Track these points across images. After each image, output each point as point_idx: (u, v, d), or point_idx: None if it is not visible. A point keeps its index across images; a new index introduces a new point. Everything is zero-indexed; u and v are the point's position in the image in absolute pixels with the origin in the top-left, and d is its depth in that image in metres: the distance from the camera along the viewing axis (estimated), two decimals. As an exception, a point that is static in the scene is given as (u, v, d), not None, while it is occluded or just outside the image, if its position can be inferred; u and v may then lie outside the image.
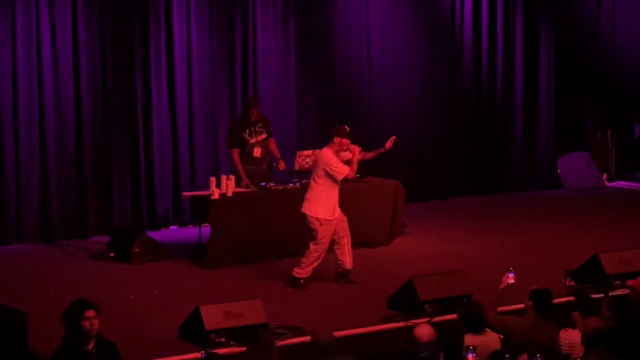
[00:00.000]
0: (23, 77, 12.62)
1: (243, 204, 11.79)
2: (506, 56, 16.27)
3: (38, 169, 12.80)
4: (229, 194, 11.71)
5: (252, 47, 14.12)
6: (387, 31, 15.23)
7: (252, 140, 12.30)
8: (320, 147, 11.90)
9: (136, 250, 11.66)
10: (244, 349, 7.54)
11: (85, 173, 13.08)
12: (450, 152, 15.84)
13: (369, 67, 15.16)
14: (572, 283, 10.20)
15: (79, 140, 13.03)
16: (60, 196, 12.93)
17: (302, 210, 10.63)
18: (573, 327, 7.66)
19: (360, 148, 10.68)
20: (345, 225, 10.74)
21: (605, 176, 17.12)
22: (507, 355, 7.14)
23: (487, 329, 7.76)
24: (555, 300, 8.12)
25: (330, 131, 10.66)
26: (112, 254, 11.92)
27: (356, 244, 11.19)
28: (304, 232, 11.66)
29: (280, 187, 12.06)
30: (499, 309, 8.53)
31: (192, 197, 12.30)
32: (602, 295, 9.45)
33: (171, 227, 13.67)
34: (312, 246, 10.61)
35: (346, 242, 10.74)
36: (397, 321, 9.33)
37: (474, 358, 7.04)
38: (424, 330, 7.50)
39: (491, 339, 7.70)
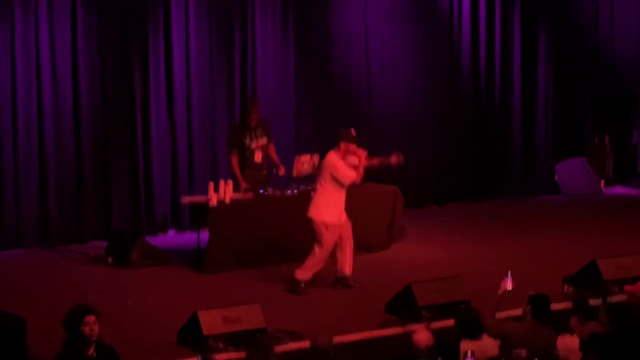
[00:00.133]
0: (22, 83, 12.64)
1: (241, 209, 11.80)
2: (504, 61, 16.29)
3: (37, 173, 12.81)
4: (227, 199, 11.72)
5: (251, 53, 14.14)
6: (385, 37, 15.25)
7: (253, 145, 12.31)
8: (319, 153, 11.93)
9: (135, 255, 11.67)
10: (243, 354, 7.55)
11: (84, 178, 13.09)
12: (448, 158, 15.85)
13: (368, 73, 15.18)
14: (570, 289, 10.21)
15: (77, 145, 13.05)
16: (58, 201, 12.94)
17: (309, 214, 10.62)
18: (571, 332, 7.67)
19: (366, 152, 10.67)
20: (350, 230, 10.74)
21: (603, 182, 17.14)
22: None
23: (484, 335, 7.76)
24: (553, 306, 8.12)
25: (337, 135, 10.64)
26: (110, 259, 11.93)
27: (354, 248, 11.19)
28: (302, 237, 11.68)
29: (279, 193, 12.07)
30: (497, 314, 8.53)
31: (190, 202, 12.31)
32: (600, 300, 9.45)
33: (169, 232, 13.68)
34: (316, 249, 10.59)
35: (348, 247, 10.75)
36: (395, 326, 9.34)
37: (472, 363, 7.04)
38: (422, 336, 7.50)
39: (488, 345, 7.69)
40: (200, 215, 11.87)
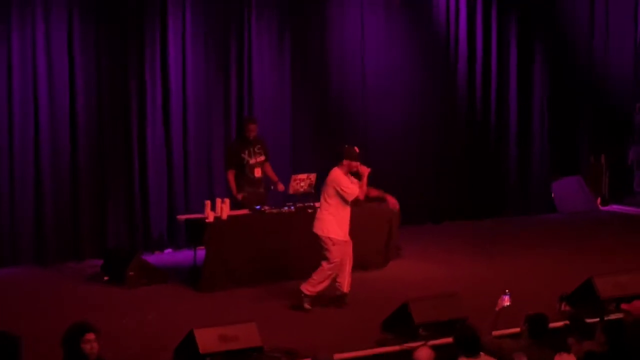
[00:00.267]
0: (18, 97, 12.64)
1: (238, 227, 11.79)
2: (500, 79, 16.33)
3: (32, 191, 12.79)
4: (224, 217, 11.71)
5: (247, 69, 14.17)
6: (382, 52, 15.28)
7: (252, 161, 12.35)
8: (315, 171, 11.95)
9: (131, 273, 11.65)
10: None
11: (80, 196, 13.08)
12: (444, 176, 15.86)
13: (364, 89, 15.21)
14: (567, 307, 10.18)
15: (73, 162, 13.04)
16: (54, 219, 12.92)
17: (314, 230, 10.62)
18: (568, 351, 7.66)
19: (370, 170, 10.67)
20: (350, 249, 10.75)
21: (599, 200, 17.16)
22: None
23: (481, 353, 7.74)
24: (550, 325, 8.11)
25: (340, 152, 10.66)
26: (106, 277, 11.91)
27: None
28: (300, 254, 11.69)
29: (275, 211, 12.07)
30: (495, 332, 8.52)
31: (187, 220, 12.31)
32: (597, 319, 9.44)
33: (166, 250, 13.66)
34: (324, 264, 10.58)
35: (348, 265, 10.75)
36: (392, 344, 9.32)
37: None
38: (423, 353, 7.49)
39: (486, 363, 7.69)
40: (196, 233, 11.85)
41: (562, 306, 10.18)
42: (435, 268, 12.64)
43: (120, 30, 13.24)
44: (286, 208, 12.11)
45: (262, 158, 12.48)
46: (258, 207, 12.08)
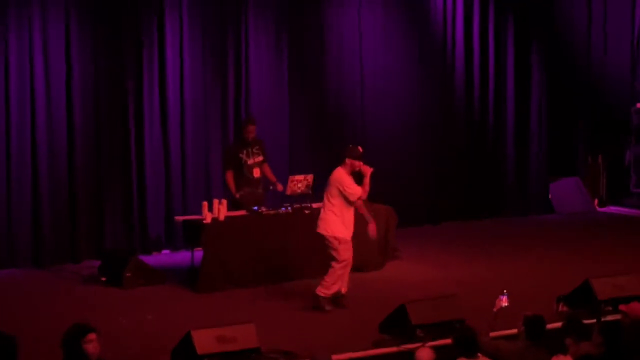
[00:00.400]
0: (15, 98, 12.65)
1: (235, 228, 11.79)
2: (498, 80, 16.34)
3: (30, 192, 12.79)
4: (221, 218, 11.71)
5: (245, 71, 14.17)
6: (379, 53, 15.29)
7: (250, 162, 12.36)
8: (313, 172, 11.95)
9: (128, 274, 11.64)
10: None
11: (78, 197, 13.07)
12: (442, 177, 15.86)
13: (362, 91, 15.21)
14: (565, 308, 10.20)
15: (70, 164, 13.04)
16: (52, 220, 12.92)
17: (318, 230, 10.61)
18: (564, 352, 7.66)
19: (372, 169, 10.67)
20: (351, 249, 10.74)
21: (596, 201, 17.17)
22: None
23: (479, 354, 7.74)
24: (548, 326, 8.11)
25: (343, 152, 10.65)
26: (103, 278, 11.90)
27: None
28: (297, 255, 11.69)
29: (272, 212, 12.07)
30: (492, 334, 8.53)
31: (184, 221, 12.31)
32: (594, 320, 9.44)
33: (163, 251, 13.66)
34: (334, 265, 10.56)
35: (348, 267, 10.73)
36: (390, 346, 9.32)
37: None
38: (424, 354, 7.49)
39: (484, 364, 7.69)
40: (194, 234, 11.86)
41: (560, 307, 10.21)
42: (432, 269, 12.63)
43: (117, 31, 13.24)
44: (283, 209, 12.12)
45: (261, 158, 12.49)
46: (255, 208, 12.08)
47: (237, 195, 12.30)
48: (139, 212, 13.46)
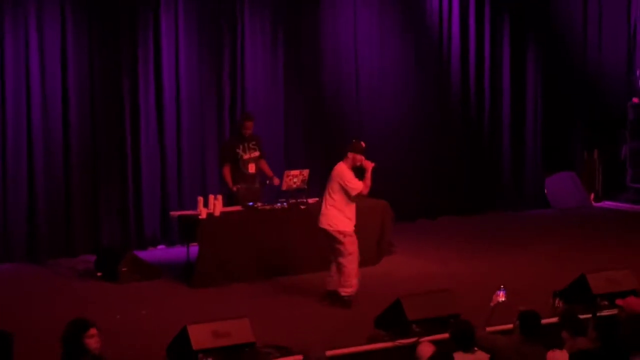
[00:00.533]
0: (11, 96, 12.64)
1: (231, 223, 11.79)
2: (493, 76, 16.35)
3: (25, 187, 12.78)
4: (217, 213, 11.71)
5: (240, 68, 14.16)
6: (375, 51, 15.28)
7: (246, 157, 12.37)
8: (309, 168, 11.94)
9: (124, 269, 11.64)
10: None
11: (73, 192, 13.07)
12: (438, 172, 15.87)
13: (357, 87, 15.21)
14: (561, 303, 10.20)
15: (66, 159, 13.03)
16: (47, 215, 12.91)
17: (320, 225, 10.58)
18: (561, 347, 7.66)
19: (374, 164, 10.65)
20: None
21: (592, 196, 17.18)
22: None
23: (476, 348, 7.75)
24: (543, 321, 8.11)
25: (346, 146, 10.64)
26: (99, 273, 11.90)
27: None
28: (292, 250, 11.70)
29: (268, 207, 12.06)
30: (489, 328, 8.53)
31: (180, 216, 12.31)
32: (590, 315, 9.44)
33: (159, 247, 13.66)
34: (343, 261, 10.52)
35: (356, 259, 10.71)
36: (385, 341, 9.32)
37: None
38: (426, 349, 7.50)
39: (481, 359, 7.69)
40: (189, 229, 11.85)
41: (556, 302, 10.21)
42: (428, 264, 12.64)
43: (113, 29, 13.23)
44: (279, 204, 12.11)
45: (257, 154, 12.49)
46: (251, 203, 12.07)
47: (235, 189, 12.29)
48: (134, 208, 13.45)
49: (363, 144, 10.62)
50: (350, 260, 10.53)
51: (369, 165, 10.56)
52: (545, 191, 16.81)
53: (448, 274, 12.01)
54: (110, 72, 13.24)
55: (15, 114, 12.68)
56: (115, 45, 13.24)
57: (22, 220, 12.78)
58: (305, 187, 12.13)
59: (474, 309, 9.20)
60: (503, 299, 8.51)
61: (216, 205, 11.71)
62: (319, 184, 12.76)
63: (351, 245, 10.53)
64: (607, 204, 17.12)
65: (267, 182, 12.56)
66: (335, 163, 10.70)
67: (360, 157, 10.54)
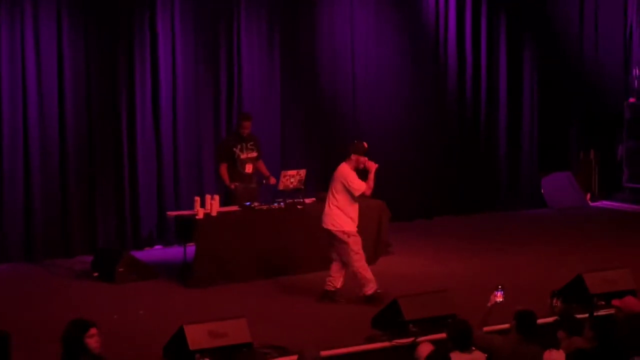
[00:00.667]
0: (7, 95, 12.62)
1: (228, 223, 11.78)
2: (490, 76, 16.35)
3: (22, 188, 12.77)
4: (214, 213, 11.70)
5: (237, 68, 14.15)
6: (372, 50, 15.28)
7: (243, 157, 12.36)
8: (306, 168, 11.93)
9: (120, 269, 11.63)
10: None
11: (70, 192, 13.05)
12: (434, 172, 15.87)
13: (354, 87, 15.21)
14: (559, 303, 10.19)
15: (63, 159, 13.01)
16: (44, 215, 12.89)
17: (324, 226, 10.58)
18: (557, 347, 7.66)
19: (377, 165, 10.65)
20: None
21: (588, 196, 17.19)
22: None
23: (473, 348, 7.75)
24: (540, 321, 8.11)
25: (348, 147, 10.64)
26: (96, 274, 11.88)
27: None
28: (289, 250, 11.69)
29: (265, 207, 12.05)
30: (486, 328, 8.53)
31: (176, 216, 12.29)
32: (587, 315, 9.44)
33: (156, 247, 13.65)
34: (351, 262, 10.52)
35: (363, 257, 10.71)
36: (382, 341, 9.32)
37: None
38: (424, 348, 7.50)
39: (478, 359, 7.69)
40: (186, 230, 11.84)
41: (554, 302, 10.20)
42: (425, 264, 12.64)
43: (109, 29, 13.21)
44: (276, 204, 12.10)
45: (255, 154, 12.49)
46: (248, 203, 12.06)
47: (232, 186, 12.29)
48: (131, 208, 13.44)
49: (365, 145, 10.62)
50: (357, 259, 10.55)
51: (373, 167, 10.57)
52: (542, 191, 16.81)
53: (445, 273, 12.02)
54: (107, 72, 13.23)
55: (12, 114, 12.66)
56: (111, 45, 13.22)
57: (18, 220, 12.76)
58: (302, 187, 12.12)
59: (471, 308, 9.20)
60: (500, 300, 8.51)
61: (213, 205, 11.70)
62: (316, 184, 12.79)
63: (355, 245, 10.54)
64: (604, 203, 17.13)
65: (264, 181, 12.56)
66: (333, 163, 10.70)
67: (363, 159, 10.55)
